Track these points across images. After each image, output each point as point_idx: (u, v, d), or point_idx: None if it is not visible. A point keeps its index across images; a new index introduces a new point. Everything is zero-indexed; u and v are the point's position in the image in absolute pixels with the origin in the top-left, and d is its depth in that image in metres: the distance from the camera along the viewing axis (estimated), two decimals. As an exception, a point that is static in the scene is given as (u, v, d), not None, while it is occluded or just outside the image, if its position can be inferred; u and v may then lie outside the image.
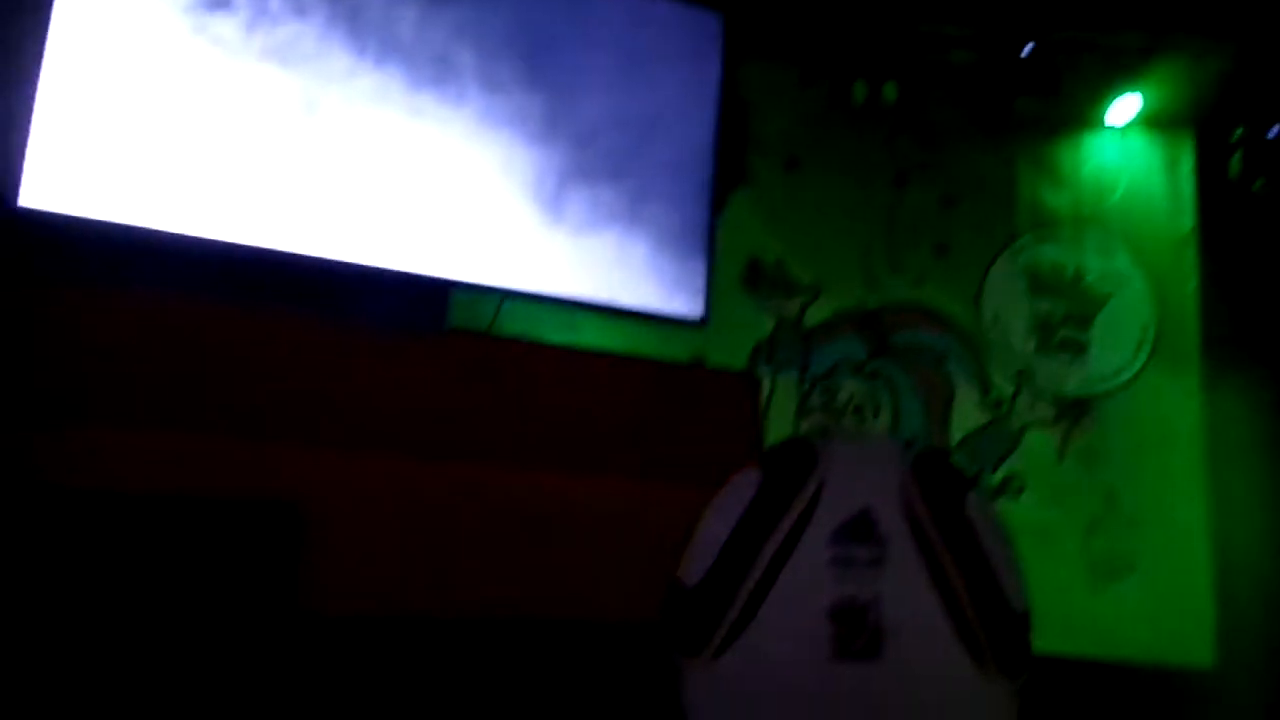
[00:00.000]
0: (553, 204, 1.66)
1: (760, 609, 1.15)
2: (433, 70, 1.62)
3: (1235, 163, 2.26)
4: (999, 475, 2.33)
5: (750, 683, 1.16)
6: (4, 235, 1.34)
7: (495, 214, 1.62)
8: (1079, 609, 2.16)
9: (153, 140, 1.40)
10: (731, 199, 2.18)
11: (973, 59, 2.14)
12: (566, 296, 1.64)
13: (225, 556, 1.31)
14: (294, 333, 1.46)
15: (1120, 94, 2.25)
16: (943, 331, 2.29)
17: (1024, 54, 2.10)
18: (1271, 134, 2.23)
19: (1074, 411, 2.30)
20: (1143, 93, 2.24)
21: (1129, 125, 2.33)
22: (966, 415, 2.31)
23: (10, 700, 1.19)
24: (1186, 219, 2.36)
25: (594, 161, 1.68)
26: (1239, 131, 2.26)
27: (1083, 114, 2.31)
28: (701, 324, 1.71)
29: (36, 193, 1.34)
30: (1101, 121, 2.32)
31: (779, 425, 2.15)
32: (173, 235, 1.40)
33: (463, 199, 1.60)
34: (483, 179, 1.62)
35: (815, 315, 2.25)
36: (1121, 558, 2.22)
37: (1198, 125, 2.35)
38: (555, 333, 1.76)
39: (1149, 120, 2.33)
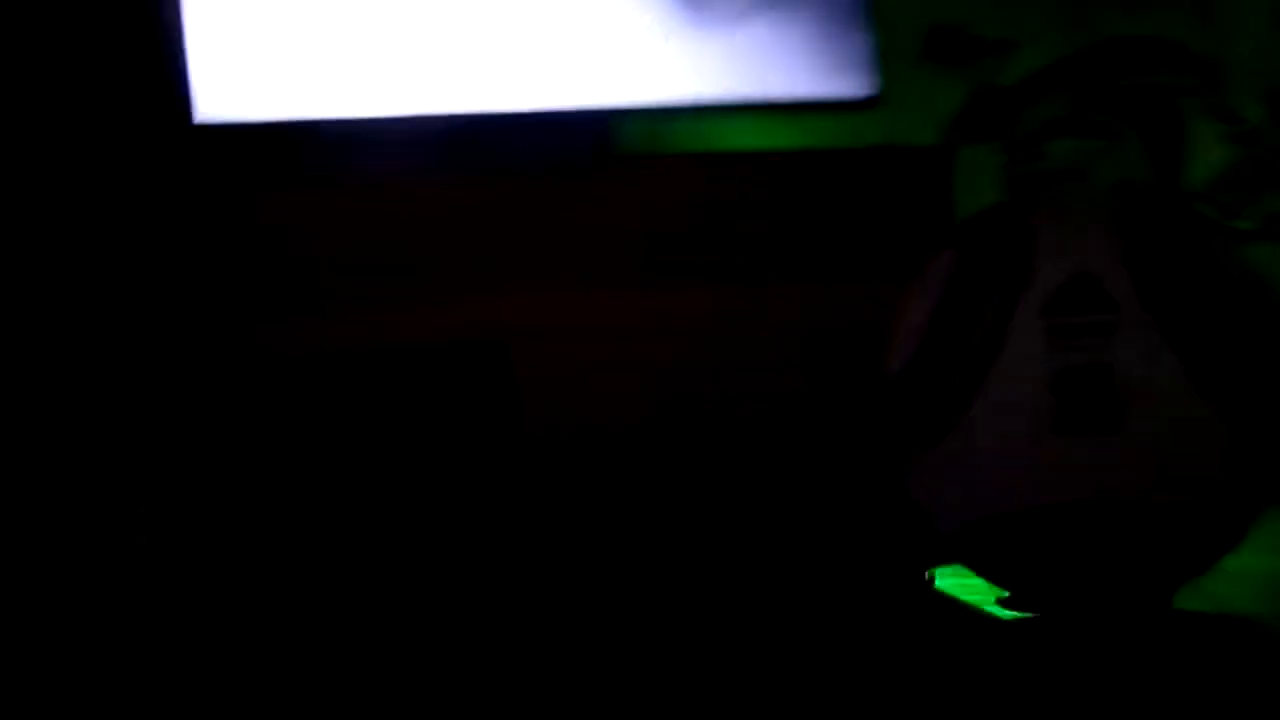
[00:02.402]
0: (689, 6, 1.56)
1: (974, 392, 1.09)
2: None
3: None
4: (1255, 218, 2.06)
5: (969, 468, 1.11)
6: (190, 150, 1.43)
7: (631, 30, 1.54)
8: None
9: (292, 32, 1.42)
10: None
11: None
12: (717, 100, 1.56)
13: (446, 396, 1.41)
14: (468, 190, 1.49)
15: None
16: (1170, 62, 2.01)
17: None
18: None
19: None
20: None
21: None
22: (1209, 156, 2.04)
23: (265, 545, 1.34)
24: None
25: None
26: None
27: None
28: (872, 104, 1.58)
29: (208, 105, 1.40)
30: None
31: (981, 201, 1.99)
32: (334, 120, 1.45)
33: (596, 23, 1.53)
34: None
35: (1014, 73, 2.03)
36: None
37: None
38: (720, 141, 1.69)
39: None
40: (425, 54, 1.48)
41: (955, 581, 1.20)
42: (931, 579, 1.28)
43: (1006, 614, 1.09)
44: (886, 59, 1.63)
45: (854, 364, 1.38)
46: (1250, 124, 2.03)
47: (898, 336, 1.19)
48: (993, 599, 1.12)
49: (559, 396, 1.45)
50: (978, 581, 1.14)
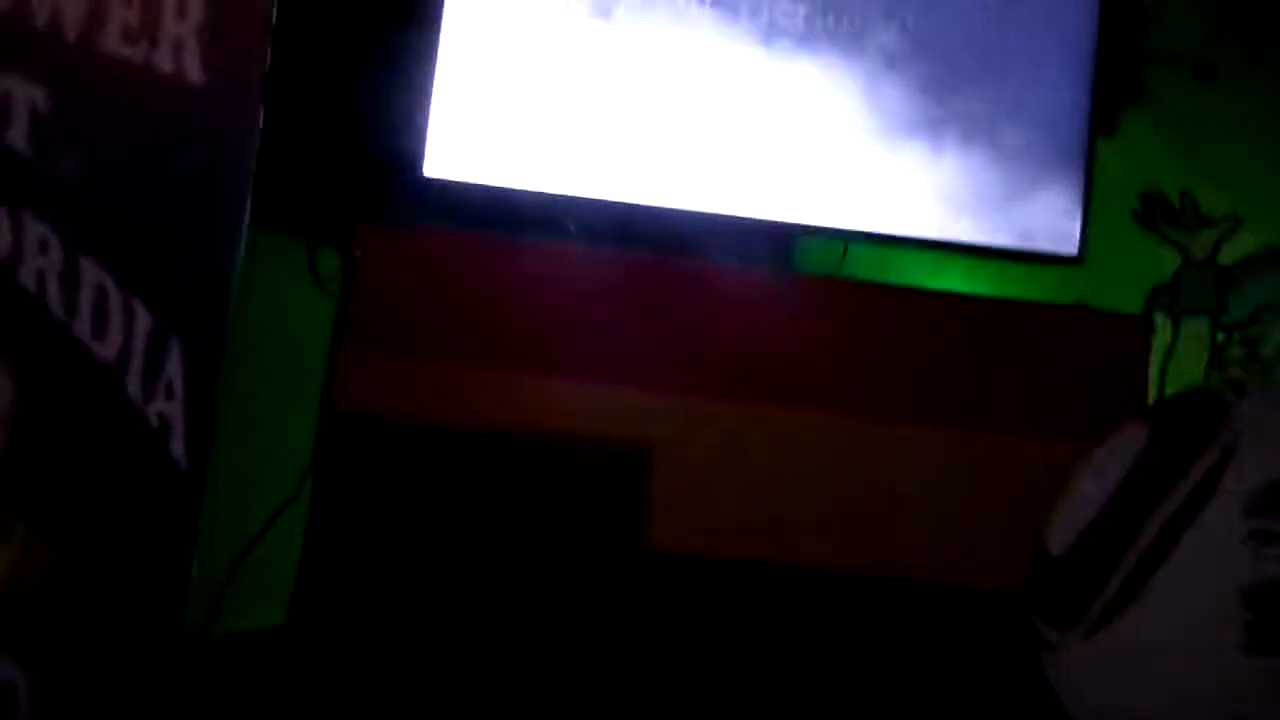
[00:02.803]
0: (899, 134, 1.54)
1: (1149, 584, 1.00)
2: (782, 19, 1.57)
3: None
4: None
5: (1131, 666, 1.01)
6: (413, 199, 1.55)
7: (837, 150, 1.53)
8: None
9: (523, 114, 1.50)
10: (1124, 120, 1.91)
11: None
12: (915, 236, 1.52)
13: (576, 491, 1.40)
14: (634, 277, 1.50)
15: None
16: None
17: None
18: None
19: None
20: None
21: None
22: None
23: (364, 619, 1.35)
24: None
25: (947, 82, 1.53)
26: None
27: None
28: (1076, 261, 1.51)
29: (437, 163, 1.50)
30: None
31: (1185, 379, 1.87)
32: (541, 194, 1.51)
33: (806, 137, 1.53)
34: (826, 114, 1.54)
35: (1234, 251, 1.92)
36: None
37: None
38: (909, 276, 1.65)
39: None
40: (617, 144, 1.51)
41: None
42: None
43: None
44: (1098, 216, 1.57)
45: (1012, 527, 1.29)
46: None
47: (1067, 509, 1.10)
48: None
49: (685, 510, 1.41)
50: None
